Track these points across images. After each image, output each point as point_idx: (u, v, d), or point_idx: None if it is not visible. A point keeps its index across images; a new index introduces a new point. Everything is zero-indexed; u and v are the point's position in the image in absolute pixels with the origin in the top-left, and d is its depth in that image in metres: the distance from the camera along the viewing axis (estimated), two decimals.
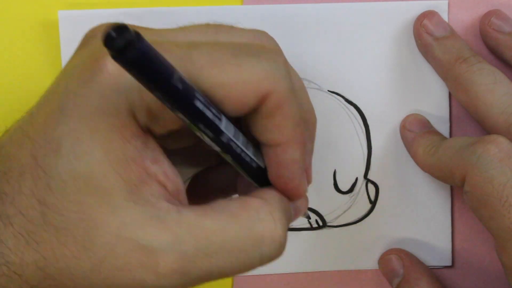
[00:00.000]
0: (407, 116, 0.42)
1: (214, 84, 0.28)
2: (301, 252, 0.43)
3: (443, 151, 0.38)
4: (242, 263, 0.29)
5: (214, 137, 0.29)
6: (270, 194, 0.32)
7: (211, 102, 0.28)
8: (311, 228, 0.43)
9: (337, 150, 0.43)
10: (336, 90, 0.42)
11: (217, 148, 0.30)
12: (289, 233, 0.42)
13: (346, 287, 0.44)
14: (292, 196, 0.33)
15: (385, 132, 0.43)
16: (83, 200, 0.27)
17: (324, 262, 0.43)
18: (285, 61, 0.31)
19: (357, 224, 0.43)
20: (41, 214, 0.28)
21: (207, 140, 0.30)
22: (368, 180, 0.43)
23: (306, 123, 0.34)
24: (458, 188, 0.42)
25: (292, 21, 0.42)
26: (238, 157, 0.31)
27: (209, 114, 0.28)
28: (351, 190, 0.43)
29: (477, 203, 0.35)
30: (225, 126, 0.29)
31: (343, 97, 0.42)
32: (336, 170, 0.43)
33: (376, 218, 0.43)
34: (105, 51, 0.24)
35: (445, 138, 0.41)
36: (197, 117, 0.28)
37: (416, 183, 0.43)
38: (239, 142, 0.31)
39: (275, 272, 0.43)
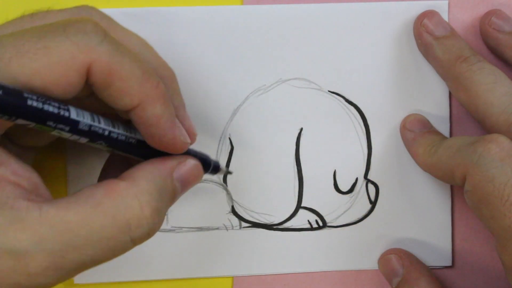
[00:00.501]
0: (407, 116, 0.42)
1: (29, 75, 0.28)
2: (302, 252, 0.43)
3: (443, 151, 0.38)
4: (113, 249, 0.30)
5: (72, 130, 0.29)
6: (142, 172, 0.32)
7: (35, 92, 0.28)
8: (311, 229, 0.43)
9: (337, 150, 0.43)
10: (336, 90, 0.42)
11: (83, 140, 0.30)
12: (289, 233, 0.43)
13: (346, 287, 0.44)
14: (174, 151, 0.33)
15: (385, 132, 0.43)
16: None
17: (324, 262, 0.43)
18: (96, 26, 0.30)
19: (357, 224, 0.43)
20: None
21: (67, 135, 0.29)
22: (368, 180, 0.43)
23: (163, 79, 0.34)
24: (458, 188, 0.42)
25: (292, 21, 0.42)
26: (109, 140, 0.31)
27: (51, 108, 0.28)
28: (351, 190, 0.43)
29: (477, 202, 0.35)
30: (76, 114, 0.29)
31: (343, 97, 0.42)
32: (336, 170, 0.43)
33: (376, 218, 0.43)
34: None
35: (445, 137, 0.41)
36: (39, 116, 0.27)
37: (416, 183, 0.43)
38: (102, 124, 0.30)
39: (275, 272, 0.43)
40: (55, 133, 0.29)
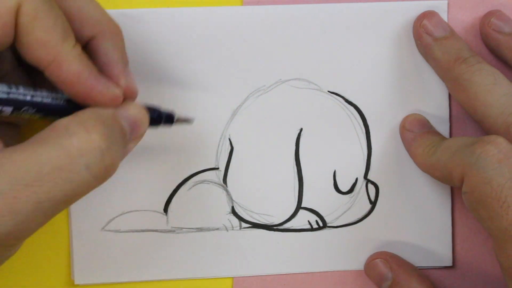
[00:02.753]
0: (407, 116, 0.42)
1: None
2: (302, 252, 0.43)
3: (442, 151, 0.38)
4: (70, 182, 0.29)
5: None
6: (83, 111, 0.31)
7: None
8: (312, 229, 0.43)
9: (337, 150, 0.43)
10: (336, 90, 0.42)
11: (7, 110, 0.30)
12: (290, 233, 0.43)
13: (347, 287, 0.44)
14: (107, 105, 0.32)
15: (385, 133, 0.43)
16: None
17: (324, 262, 0.43)
18: None
19: (357, 224, 0.43)
20: None
21: None
22: (368, 181, 0.43)
23: (105, 33, 0.34)
24: (458, 188, 0.42)
25: (292, 22, 0.42)
26: (35, 105, 0.31)
27: None
28: (351, 190, 0.43)
29: (475, 203, 0.35)
30: None
31: (343, 97, 0.42)
32: (336, 171, 0.43)
33: (376, 218, 0.43)
34: None
35: (444, 138, 0.41)
36: None
37: (416, 183, 0.43)
38: (21, 90, 0.30)
39: (275, 273, 0.43)
40: None
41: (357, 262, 0.43)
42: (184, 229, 0.42)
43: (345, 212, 0.43)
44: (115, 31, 0.35)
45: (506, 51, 0.41)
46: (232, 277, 0.43)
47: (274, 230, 0.43)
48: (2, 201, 0.27)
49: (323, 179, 0.43)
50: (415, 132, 0.41)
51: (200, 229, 0.42)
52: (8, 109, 0.30)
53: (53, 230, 0.41)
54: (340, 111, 0.42)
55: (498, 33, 0.41)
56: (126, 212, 0.42)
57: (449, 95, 0.42)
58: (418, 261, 0.43)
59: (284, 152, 0.42)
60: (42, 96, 0.31)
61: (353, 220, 0.43)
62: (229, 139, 0.42)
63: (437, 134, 0.41)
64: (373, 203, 0.43)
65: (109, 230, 0.42)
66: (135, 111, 0.34)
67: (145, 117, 0.35)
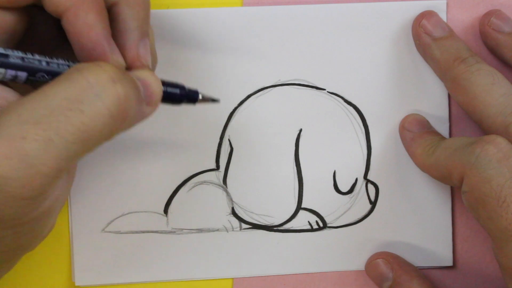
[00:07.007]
0: (407, 116, 0.42)
1: None
2: (302, 253, 0.43)
3: (441, 151, 0.38)
4: (81, 113, 0.27)
5: (3, 63, 0.28)
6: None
7: None
8: (312, 230, 0.43)
9: (337, 151, 0.43)
10: (336, 91, 0.42)
11: (22, 76, 0.30)
12: (290, 234, 0.43)
13: None
14: None
15: (384, 133, 0.43)
16: None
17: (324, 263, 0.43)
18: None
19: (357, 224, 0.43)
20: None
21: (1, 72, 0.29)
22: (368, 181, 0.43)
23: (128, 1, 0.33)
24: (457, 188, 0.42)
25: (292, 22, 0.42)
26: (50, 72, 0.31)
27: None
28: (351, 190, 0.43)
29: (475, 203, 0.35)
30: (4, 50, 0.29)
31: (342, 97, 0.42)
32: (336, 171, 0.43)
33: (376, 218, 0.43)
34: None
35: (444, 138, 0.41)
36: None
37: (416, 183, 0.43)
38: (37, 56, 0.30)
39: (275, 273, 0.43)
40: None
41: (357, 263, 0.43)
42: (184, 230, 0.42)
43: (345, 212, 0.43)
44: (139, 1, 0.33)
45: (505, 51, 0.41)
46: (232, 278, 0.43)
47: (274, 231, 0.43)
48: (8, 143, 0.26)
49: (323, 180, 0.43)
50: (415, 132, 0.41)
51: (200, 230, 0.42)
52: (22, 75, 0.29)
53: (54, 231, 0.41)
54: (339, 112, 0.42)
55: (498, 33, 0.41)
56: (127, 214, 0.42)
57: (449, 95, 0.42)
58: (418, 261, 0.43)
59: (283, 152, 0.42)
60: (58, 64, 0.31)
61: (353, 220, 0.43)
62: (229, 140, 0.42)
63: (437, 134, 0.41)
64: (373, 203, 0.43)
65: (110, 232, 0.42)
66: (146, 74, 0.32)
67: (157, 82, 0.33)
